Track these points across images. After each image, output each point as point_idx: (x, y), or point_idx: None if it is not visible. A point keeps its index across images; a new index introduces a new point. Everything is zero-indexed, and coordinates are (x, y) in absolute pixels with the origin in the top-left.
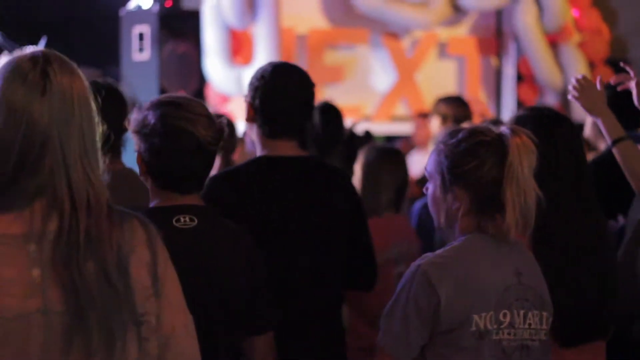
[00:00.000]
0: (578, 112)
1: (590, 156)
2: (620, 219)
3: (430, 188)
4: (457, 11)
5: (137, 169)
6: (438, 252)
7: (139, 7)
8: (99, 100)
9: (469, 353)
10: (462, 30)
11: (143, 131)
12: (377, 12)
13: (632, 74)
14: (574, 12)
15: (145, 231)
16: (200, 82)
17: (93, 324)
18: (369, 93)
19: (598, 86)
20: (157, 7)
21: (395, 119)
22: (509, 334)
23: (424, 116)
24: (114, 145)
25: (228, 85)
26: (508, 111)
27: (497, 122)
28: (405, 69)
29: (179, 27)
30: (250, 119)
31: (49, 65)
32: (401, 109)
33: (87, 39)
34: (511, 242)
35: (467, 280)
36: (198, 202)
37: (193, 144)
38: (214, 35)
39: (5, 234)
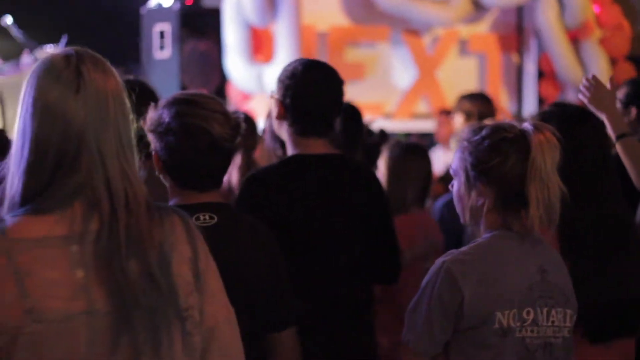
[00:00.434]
0: None
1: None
2: None
3: (455, 185)
4: (478, 8)
5: None
6: (463, 248)
7: (160, 5)
8: (133, 97)
9: (492, 350)
10: (483, 27)
11: (158, 130)
12: (397, 9)
13: None
14: (595, 8)
15: (184, 226)
16: (221, 79)
17: (138, 323)
18: (389, 90)
19: (608, 85)
20: (178, 5)
21: (416, 116)
22: (532, 331)
23: (446, 113)
24: (149, 143)
25: (249, 82)
26: (529, 108)
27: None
28: (426, 66)
29: (200, 25)
30: (280, 117)
31: (83, 63)
32: (422, 106)
33: (108, 37)
34: (536, 238)
35: (491, 277)
36: (217, 200)
37: (208, 141)
38: (234, 32)
39: (48, 236)
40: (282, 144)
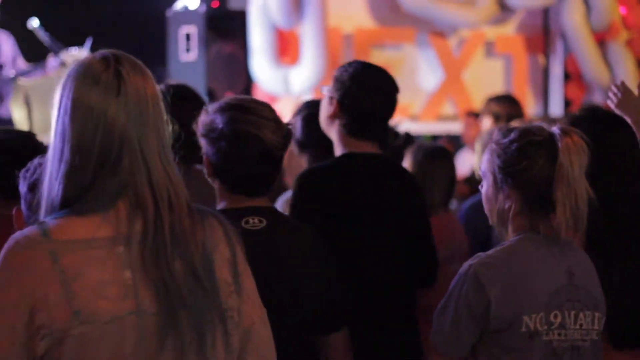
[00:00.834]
0: None
1: None
2: None
3: (484, 186)
4: (504, 9)
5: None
6: (489, 252)
7: (186, 8)
8: (168, 99)
9: (520, 354)
10: (509, 29)
11: (211, 135)
12: (423, 11)
13: None
14: (621, 10)
15: (223, 228)
16: (247, 82)
17: (184, 323)
18: (415, 92)
19: (636, 91)
20: (203, 8)
21: (442, 118)
22: (559, 334)
23: (474, 115)
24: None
25: (275, 85)
26: (555, 110)
27: (553, 120)
28: (452, 68)
29: (226, 28)
30: (334, 115)
31: (121, 66)
32: (448, 108)
33: (134, 40)
34: (564, 241)
35: (517, 281)
36: (266, 204)
37: (260, 148)
38: (260, 35)
39: (95, 238)
40: (309, 148)
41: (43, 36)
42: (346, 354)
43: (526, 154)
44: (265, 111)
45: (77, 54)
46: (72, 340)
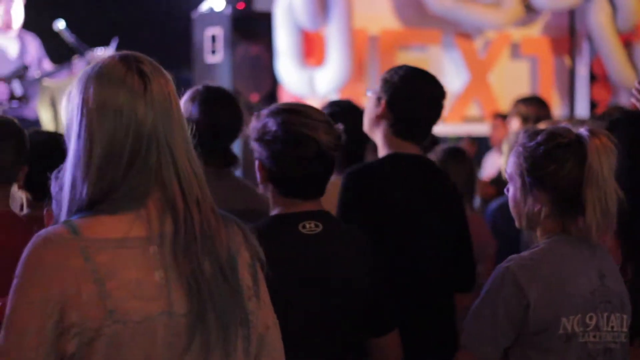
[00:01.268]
0: None
1: None
2: None
3: (511, 190)
4: (530, 11)
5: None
6: (524, 253)
7: (211, 9)
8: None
9: (555, 355)
10: (534, 30)
11: (265, 138)
12: (449, 13)
13: None
14: None
15: (242, 232)
16: (272, 84)
17: (212, 322)
18: None
19: None
20: (229, 9)
21: (468, 119)
22: (594, 336)
23: (501, 117)
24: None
25: (300, 86)
26: (581, 111)
27: (580, 121)
28: (478, 70)
29: (251, 29)
30: (381, 116)
31: (143, 65)
32: (474, 110)
33: (159, 41)
34: (593, 244)
35: (556, 282)
36: (320, 207)
37: (315, 149)
38: (286, 36)
39: (128, 237)
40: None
41: (69, 37)
42: (400, 354)
43: (554, 157)
44: (315, 114)
45: (103, 54)
46: (104, 340)
